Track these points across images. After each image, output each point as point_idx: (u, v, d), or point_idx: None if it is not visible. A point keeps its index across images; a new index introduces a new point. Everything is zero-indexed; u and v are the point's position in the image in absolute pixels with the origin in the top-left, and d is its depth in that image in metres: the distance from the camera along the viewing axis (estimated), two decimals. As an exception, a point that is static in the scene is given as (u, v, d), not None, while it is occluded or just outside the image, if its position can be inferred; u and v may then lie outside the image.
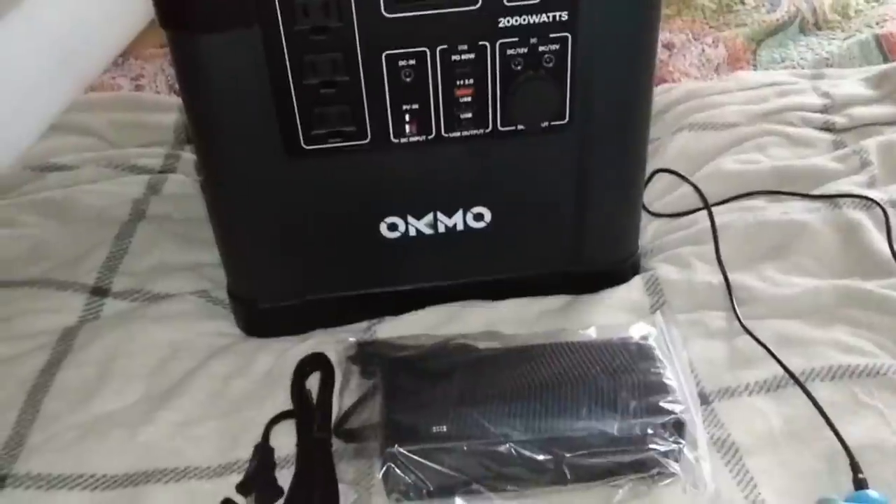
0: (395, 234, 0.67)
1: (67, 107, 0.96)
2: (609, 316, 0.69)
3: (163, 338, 0.69)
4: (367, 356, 0.65)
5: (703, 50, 1.07)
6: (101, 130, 0.93)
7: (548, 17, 0.58)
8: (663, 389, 0.58)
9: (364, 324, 0.71)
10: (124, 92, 1.01)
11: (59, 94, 0.96)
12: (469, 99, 0.60)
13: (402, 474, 0.54)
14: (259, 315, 0.71)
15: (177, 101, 0.98)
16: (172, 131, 0.94)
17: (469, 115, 0.61)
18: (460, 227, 0.67)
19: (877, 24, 1.10)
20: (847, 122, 0.90)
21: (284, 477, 0.57)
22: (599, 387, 0.58)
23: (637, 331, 0.64)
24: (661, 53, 1.05)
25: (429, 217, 0.67)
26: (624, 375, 0.59)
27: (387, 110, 0.60)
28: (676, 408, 0.57)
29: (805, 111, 0.92)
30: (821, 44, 1.09)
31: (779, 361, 0.63)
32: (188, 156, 0.91)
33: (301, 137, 0.60)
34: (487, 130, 0.62)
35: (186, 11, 0.56)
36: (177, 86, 0.99)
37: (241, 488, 0.56)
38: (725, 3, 1.16)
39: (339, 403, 0.62)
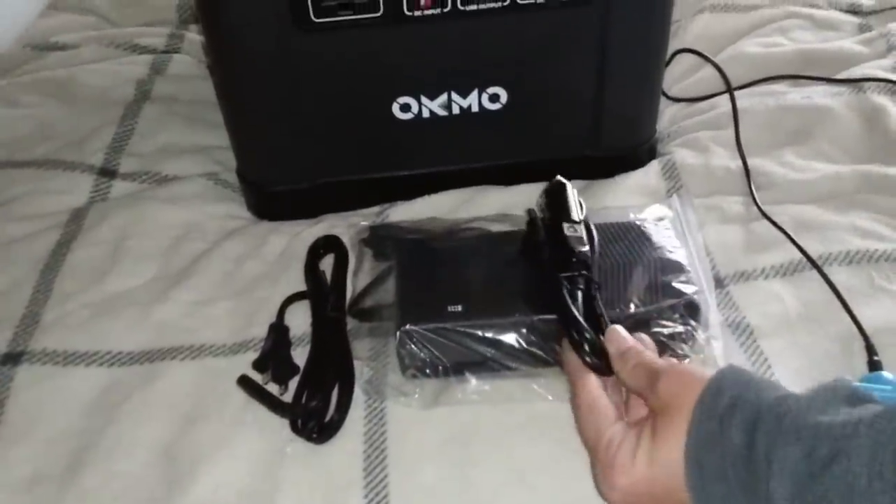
0: (408, 116, 0.65)
1: (65, -16, 0.92)
2: (624, 200, 0.68)
3: (173, 219, 0.68)
4: (380, 239, 0.64)
5: (727, -72, 1.02)
6: (101, 9, 0.91)
7: None
8: (678, 270, 0.58)
9: (376, 208, 0.70)
10: (123, -31, 0.97)
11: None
12: (487, -32, 0.58)
13: (417, 351, 0.54)
14: (270, 198, 0.70)
15: (179, -22, 0.94)
16: (175, 10, 0.91)
17: (487, -15, 0.59)
18: (475, 108, 0.66)
19: None
20: (874, 5, 0.88)
21: (299, 355, 0.58)
22: (613, 267, 0.57)
23: (653, 213, 0.64)
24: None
25: (443, 97, 0.65)
26: (638, 256, 0.58)
27: (401, -20, 0.58)
28: (690, 289, 0.56)
29: (831, -8, 0.89)
30: (850, -78, 1.04)
31: (796, 244, 0.63)
32: (192, 36, 0.88)
33: (311, 9, 0.58)
34: (506, 3, 0.59)
35: None
36: (178, -38, 0.95)
37: (257, 365, 0.57)
38: None
39: (353, 285, 0.62)
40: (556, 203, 0.58)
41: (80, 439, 0.54)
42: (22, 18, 0.88)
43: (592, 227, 0.58)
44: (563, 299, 0.52)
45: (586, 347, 0.49)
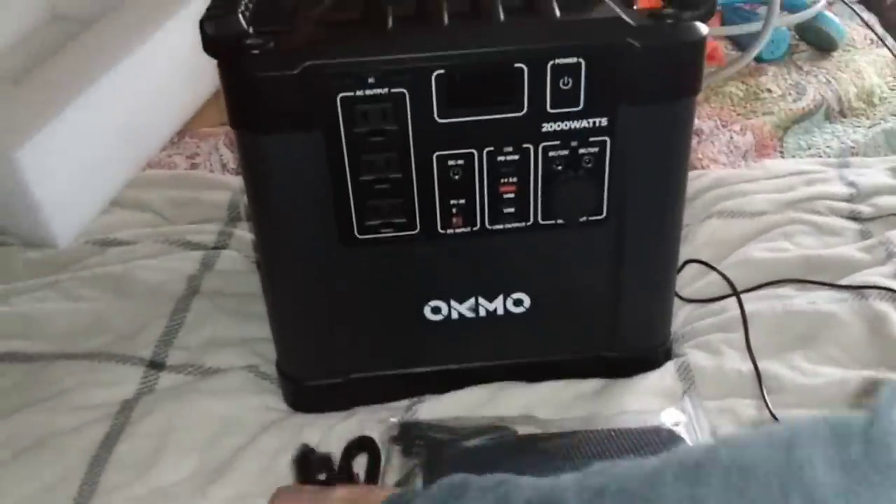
0: (439, 317, 0.70)
1: (127, 183, 1.01)
2: (642, 401, 0.71)
3: (215, 412, 0.72)
4: (409, 437, 0.68)
5: (731, 137, 1.11)
6: (158, 207, 0.98)
7: (588, 123, 0.62)
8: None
9: (406, 402, 0.74)
10: (180, 170, 1.06)
11: (121, 172, 1.01)
12: (512, 195, 0.64)
13: (445, 557, 0.56)
14: (305, 392, 0.74)
15: (230, 179, 1.02)
16: (226, 209, 0.98)
17: (512, 209, 0.65)
18: (500, 311, 0.71)
19: (902, 112, 1.14)
20: (873, 212, 0.93)
21: (330, 553, 0.60)
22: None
23: (667, 417, 0.67)
24: (691, 140, 1.09)
25: (471, 301, 0.70)
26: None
27: (436, 205, 0.64)
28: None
29: (831, 200, 0.95)
30: (846, 132, 1.13)
31: (808, 452, 0.65)
32: (240, 233, 0.95)
33: (355, 228, 0.64)
34: (529, 224, 0.66)
35: (254, 116, 0.60)
36: (230, 164, 1.05)
37: (290, 564, 0.59)
38: (752, 92, 1.21)
39: (381, 482, 0.65)
40: None
41: None
42: (87, 215, 0.96)
43: None
44: None
45: None
